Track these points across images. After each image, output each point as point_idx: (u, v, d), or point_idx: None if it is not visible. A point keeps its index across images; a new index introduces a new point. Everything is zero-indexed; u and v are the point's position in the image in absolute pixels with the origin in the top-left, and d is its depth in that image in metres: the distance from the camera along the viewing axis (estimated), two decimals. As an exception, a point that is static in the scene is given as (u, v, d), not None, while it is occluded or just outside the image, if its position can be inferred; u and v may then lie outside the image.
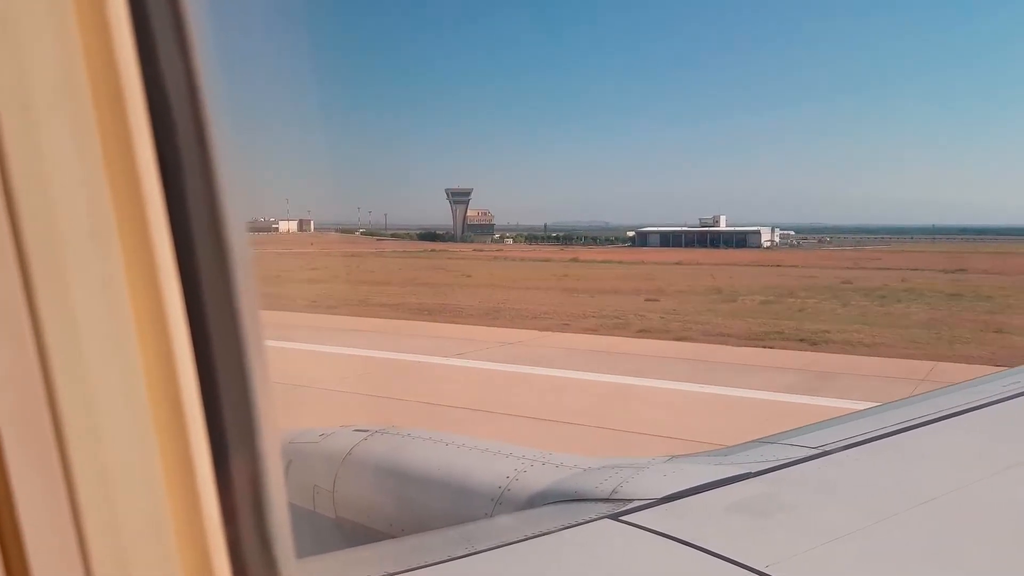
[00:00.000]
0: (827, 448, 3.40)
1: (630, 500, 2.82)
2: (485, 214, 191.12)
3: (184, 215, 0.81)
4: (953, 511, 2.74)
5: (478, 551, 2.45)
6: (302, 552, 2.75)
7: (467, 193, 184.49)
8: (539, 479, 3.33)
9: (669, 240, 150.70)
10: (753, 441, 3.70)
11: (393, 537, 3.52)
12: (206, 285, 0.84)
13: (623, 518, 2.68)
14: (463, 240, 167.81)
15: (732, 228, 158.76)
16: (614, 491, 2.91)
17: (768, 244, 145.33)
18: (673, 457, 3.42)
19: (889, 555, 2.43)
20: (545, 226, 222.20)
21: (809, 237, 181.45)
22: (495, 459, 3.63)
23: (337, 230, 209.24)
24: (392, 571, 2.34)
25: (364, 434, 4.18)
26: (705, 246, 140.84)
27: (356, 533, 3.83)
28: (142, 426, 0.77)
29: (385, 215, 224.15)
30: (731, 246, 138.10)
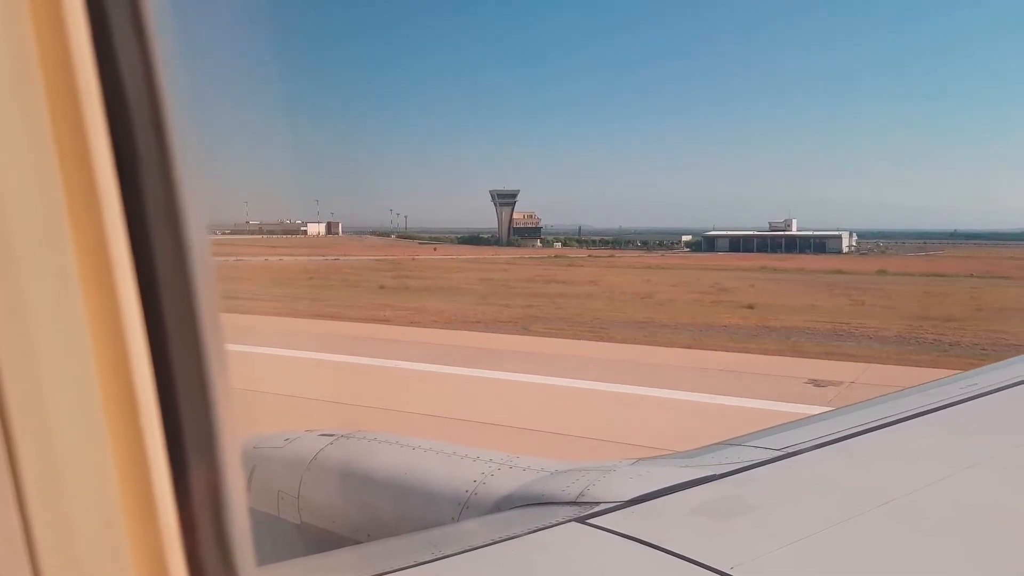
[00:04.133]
0: (791, 450, 3.41)
1: (597, 503, 2.82)
2: (531, 216, 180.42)
3: (142, 215, 0.79)
4: (915, 511, 2.77)
5: (444, 556, 2.44)
6: (266, 559, 2.76)
7: (513, 195, 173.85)
8: (505, 483, 3.30)
9: (739, 244, 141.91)
10: (718, 443, 3.70)
11: (359, 543, 3.52)
12: (164, 287, 0.81)
13: (590, 521, 2.67)
14: (510, 244, 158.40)
15: (808, 232, 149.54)
16: (581, 494, 2.89)
17: (848, 249, 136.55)
18: (639, 460, 3.42)
19: (853, 555, 2.44)
20: (580, 229, 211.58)
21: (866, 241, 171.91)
22: (461, 463, 3.60)
23: (373, 233, 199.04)
24: None
25: (329, 439, 4.12)
26: (780, 251, 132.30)
27: (321, 539, 3.77)
28: (97, 433, 0.75)
29: (406, 217, 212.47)
30: (808, 251, 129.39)
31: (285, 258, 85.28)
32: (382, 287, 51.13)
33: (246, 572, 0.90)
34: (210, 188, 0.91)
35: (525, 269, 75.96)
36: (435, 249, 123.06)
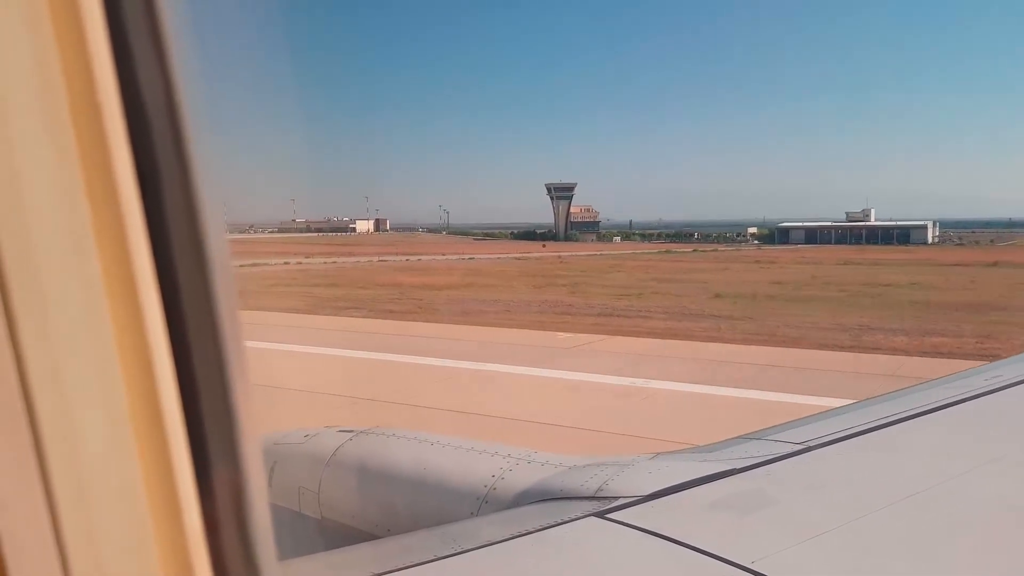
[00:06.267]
0: (810, 444, 3.37)
1: (615, 498, 2.80)
2: (589, 210, 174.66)
3: (162, 219, 0.80)
4: (935, 505, 2.74)
5: (464, 551, 2.43)
6: (287, 554, 2.78)
7: (571, 188, 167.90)
8: (524, 478, 3.29)
9: (816, 236, 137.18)
10: (737, 438, 3.64)
11: (379, 538, 3.50)
12: (185, 289, 0.82)
13: (609, 516, 2.66)
14: (568, 239, 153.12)
15: (891, 222, 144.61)
16: (599, 489, 2.88)
17: (934, 240, 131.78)
18: (658, 455, 3.38)
19: (872, 549, 2.42)
20: (631, 223, 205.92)
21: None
22: (480, 458, 3.59)
23: (425, 229, 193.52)
24: (378, 572, 2.31)
25: (349, 435, 4.11)
26: (860, 242, 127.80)
27: (342, 534, 3.76)
28: (121, 432, 0.77)
29: (448, 213, 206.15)
30: (891, 242, 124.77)
31: (409, 259, 79.04)
32: (718, 295, 42.13)
33: (268, 568, 0.91)
34: (229, 190, 0.92)
35: (734, 271, 64.36)
36: (544, 246, 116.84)
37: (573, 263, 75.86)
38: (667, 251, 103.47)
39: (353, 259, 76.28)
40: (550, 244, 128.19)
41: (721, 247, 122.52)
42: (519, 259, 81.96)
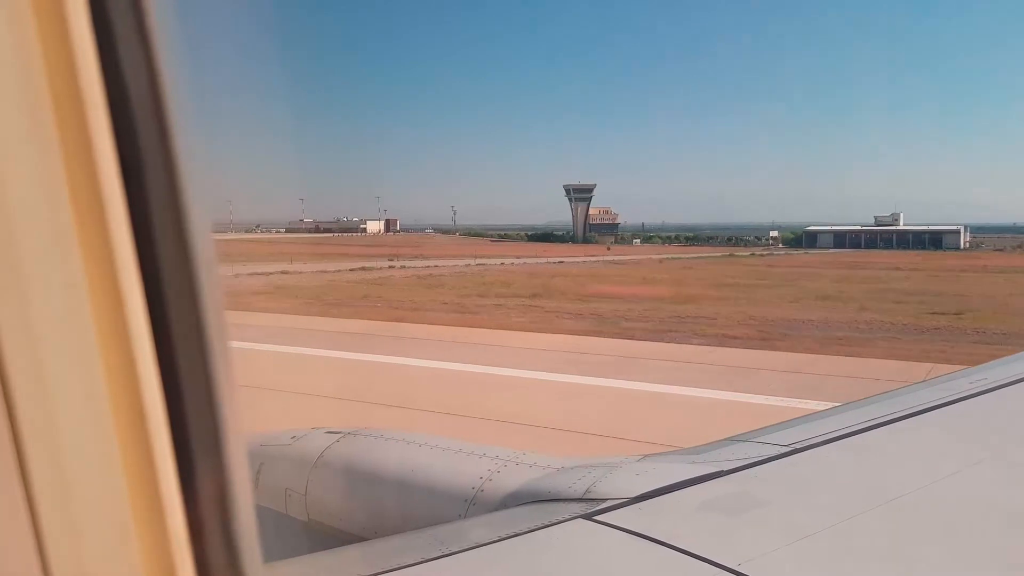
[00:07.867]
0: (797, 446, 3.37)
1: (603, 500, 2.79)
2: (607, 212, 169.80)
3: (146, 217, 0.79)
4: (921, 508, 2.74)
5: (452, 552, 2.43)
6: (274, 556, 2.76)
7: (590, 189, 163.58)
8: (512, 480, 3.27)
9: (844, 240, 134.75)
10: (724, 440, 3.65)
11: (366, 540, 3.48)
12: (169, 288, 0.81)
13: (596, 518, 2.66)
14: (586, 241, 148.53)
15: (922, 227, 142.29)
16: (587, 491, 2.87)
17: (966, 245, 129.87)
18: (645, 456, 3.37)
19: (859, 551, 2.42)
20: (643, 225, 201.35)
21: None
22: (468, 460, 3.56)
23: (434, 230, 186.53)
24: (365, 574, 2.30)
25: (336, 436, 4.09)
26: (891, 247, 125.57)
27: (329, 536, 3.75)
28: (104, 433, 0.75)
29: (455, 213, 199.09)
30: (921, 247, 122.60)
31: (504, 263, 72.59)
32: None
33: (253, 570, 0.90)
34: (215, 189, 0.92)
35: (915, 279, 56.97)
36: (608, 248, 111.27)
37: (697, 268, 70.02)
38: (731, 255, 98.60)
39: (448, 263, 69.68)
40: (564, 247, 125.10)
41: (776, 252, 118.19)
42: (613, 263, 76.46)
